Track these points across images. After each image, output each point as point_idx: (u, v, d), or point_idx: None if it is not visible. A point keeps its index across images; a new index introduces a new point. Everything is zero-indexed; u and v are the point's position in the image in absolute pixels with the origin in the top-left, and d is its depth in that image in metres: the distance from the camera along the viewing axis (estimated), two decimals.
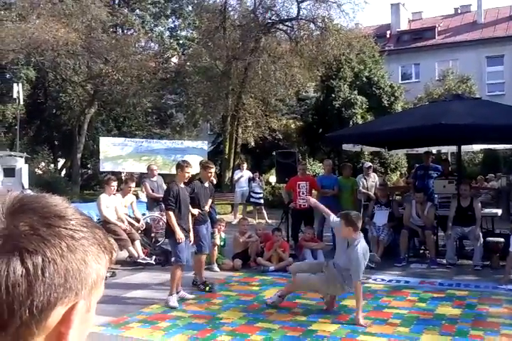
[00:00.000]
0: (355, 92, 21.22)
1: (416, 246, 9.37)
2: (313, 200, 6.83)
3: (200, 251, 6.89)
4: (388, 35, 32.59)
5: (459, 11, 33.71)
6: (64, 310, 0.65)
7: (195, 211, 6.82)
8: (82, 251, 0.66)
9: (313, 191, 9.94)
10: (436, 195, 10.14)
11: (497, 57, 28.26)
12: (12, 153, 16.82)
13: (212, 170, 7.14)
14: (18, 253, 0.62)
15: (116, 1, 25.08)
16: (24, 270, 0.61)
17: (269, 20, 20.48)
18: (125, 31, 25.18)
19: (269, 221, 13.72)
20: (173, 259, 6.56)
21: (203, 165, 7.15)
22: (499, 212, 9.74)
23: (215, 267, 8.09)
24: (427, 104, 13.02)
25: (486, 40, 28.82)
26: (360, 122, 19.62)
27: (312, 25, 20.11)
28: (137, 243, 8.59)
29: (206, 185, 7.10)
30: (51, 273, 0.63)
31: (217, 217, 10.65)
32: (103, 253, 0.70)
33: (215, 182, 10.55)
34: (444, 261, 8.37)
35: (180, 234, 6.18)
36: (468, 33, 30.23)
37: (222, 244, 8.58)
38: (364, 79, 21.89)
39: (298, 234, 9.67)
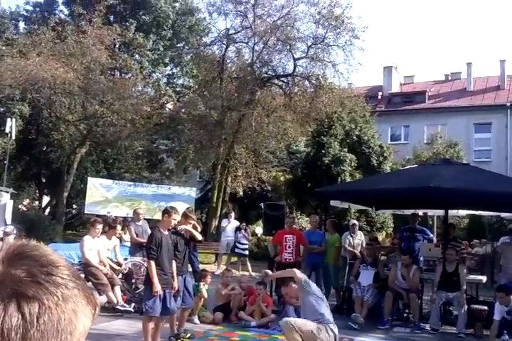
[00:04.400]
0: (345, 150, 21.52)
1: (400, 309, 9.26)
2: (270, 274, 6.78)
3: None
4: (380, 97, 33.37)
5: (450, 78, 34.73)
6: None
7: (200, 236, 6.75)
8: (74, 302, 0.67)
9: (301, 246, 9.88)
10: (421, 258, 10.12)
11: (485, 124, 28.94)
12: None
13: (193, 221, 7.03)
14: (15, 298, 0.62)
15: (117, 45, 25.56)
16: (21, 316, 0.61)
17: (266, 75, 20.98)
18: (123, 75, 25.56)
19: (253, 273, 13.52)
20: (144, 309, 6.34)
21: (184, 214, 6.95)
22: (484, 278, 9.72)
23: (196, 319, 7.90)
24: (416, 166, 13.22)
25: (475, 107, 29.58)
26: (349, 179, 19.80)
27: (307, 82, 20.63)
28: (117, 288, 8.41)
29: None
30: (46, 321, 0.63)
31: (200, 266, 10.49)
32: (89, 307, 0.70)
33: (199, 229, 10.43)
34: (428, 326, 8.26)
35: (157, 287, 6.01)
36: (457, 99, 31.05)
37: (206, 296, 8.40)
38: (354, 137, 22.27)
39: (282, 290, 9.51)
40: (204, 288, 8.11)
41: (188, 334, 6.88)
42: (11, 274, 0.64)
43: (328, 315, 5.69)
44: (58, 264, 0.69)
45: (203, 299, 8.05)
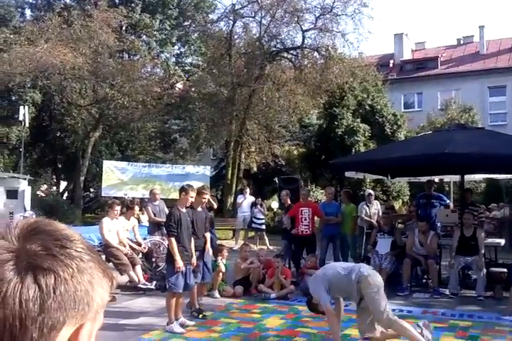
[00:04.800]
0: (358, 120, 21.34)
1: (419, 276, 9.30)
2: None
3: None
4: (391, 65, 32.92)
5: (462, 42, 34.12)
6: (71, 330, 0.66)
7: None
8: (90, 274, 0.68)
9: (316, 218, 9.93)
10: (438, 224, 10.11)
11: (499, 87, 28.47)
12: (15, 175, 16.85)
13: (207, 196, 7.10)
14: (31, 271, 0.64)
15: (124, 28, 25.44)
16: (37, 287, 0.63)
17: (274, 49, 20.75)
18: (131, 57, 25.51)
19: (271, 247, 13.65)
20: (167, 286, 6.46)
21: (198, 191, 7.04)
22: (502, 241, 9.69)
23: (216, 293, 8.02)
24: (430, 133, 13.06)
25: (489, 70, 29.08)
26: (363, 150, 19.67)
27: (316, 54, 20.37)
28: (138, 268, 8.53)
29: (199, 209, 7.04)
30: (62, 292, 0.64)
31: (218, 242, 10.60)
32: (106, 279, 0.72)
33: (215, 206, 10.54)
34: (447, 291, 8.29)
35: (179, 263, 6.12)
36: (470, 64, 30.53)
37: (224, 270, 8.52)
38: (367, 107, 22.04)
39: (300, 261, 9.61)
40: (222, 262, 8.22)
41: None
42: (27, 249, 0.66)
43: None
44: (73, 238, 0.70)
45: (221, 274, 8.16)
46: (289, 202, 10.54)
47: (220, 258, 8.19)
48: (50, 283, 0.64)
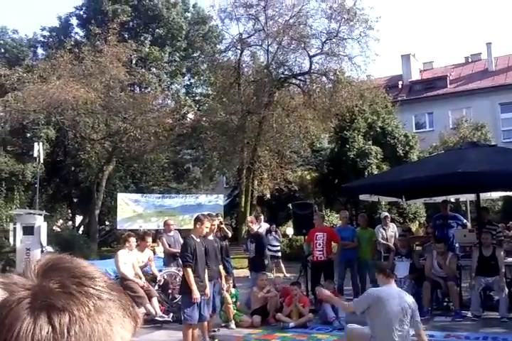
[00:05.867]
0: (370, 142, 21.32)
1: (439, 298, 9.11)
2: (325, 292, 5.97)
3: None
4: (400, 86, 33.04)
5: (470, 60, 34.17)
6: None
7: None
8: (108, 314, 0.66)
9: (333, 243, 9.81)
10: (457, 245, 9.95)
11: (510, 103, 28.35)
12: (31, 211, 16.94)
13: (215, 222, 7.13)
14: (45, 310, 0.62)
15: (134, 61, 25.91)
16: (51, 328, 0.61)
17: (282, 75, 20.96)
18: (142, 89, 25.88)
19: (288, 274, 13.48)
20: (182, 317, 6.38)
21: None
22: None
23: (232, 324, 7.91)
24: (442, 152, 13.01)
25: (499, 87, 29.03)
26: (376, 172, 19.58)
27: (324, 79, 20.53)
28: (154, 300, 8.47)
29: (210, 238, 7.01)
30: (77, 332, 0.62)
31: (234, 272, 10.51)
32: (128, 319, 0.69)
33: (230, 235, 10.49)
34: (469, 314, 8.10)
35: (196, 294, 6.07)
36: (480, 81, 30.51)
37: (234, 299, 8.38)
38: (378, 129, 22.03)
39: (316, 288, 9.45)
40: (227, 293, 8.09)
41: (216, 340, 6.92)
42: (43, 286, 0.65)
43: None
44: (93, 276, 0.69)
45: (231, 305, 8.04)
46: (254, 228, 10.64)
47: (226, 288, 8.04)
48: (64, 322, 0.62)
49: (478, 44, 57.35)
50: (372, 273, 10.17)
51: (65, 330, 0.62)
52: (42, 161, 19.21)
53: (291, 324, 7.79)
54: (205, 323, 6.74)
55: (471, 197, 11.86)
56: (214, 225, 7.02)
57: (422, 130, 29.32)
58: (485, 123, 25.15)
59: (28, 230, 14.76)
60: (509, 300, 7.88)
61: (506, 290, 7.93)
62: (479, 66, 32.60)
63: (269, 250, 14.18)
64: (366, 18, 19.26)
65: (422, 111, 30.65)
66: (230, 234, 10.50)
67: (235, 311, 8.11)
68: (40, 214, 15.71)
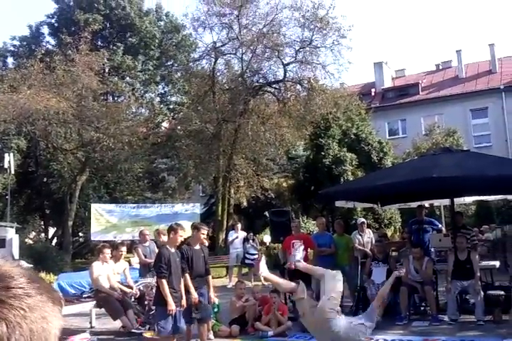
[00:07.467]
0: (345, 149, 21.46)
1: (416, 303, 9.14)
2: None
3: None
4: (373, 93, 33.40)
5: (441, 67, 34.79)
6: None
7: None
8: (41, 309, 0.64)
9: (309, 250, 9.78)
10: (432, 249, 10.02)
11: (481, 109, 28.90)
12: (2, 223, 16.61)
13: (205, 231, 7.02)
14: None
15: (106, 70, 25.66)
16: None
17: (257, 83, 20.98)
18: (116, 98, 25.67)
19: (266, 283, 13.38)
20: (156, 329, 6.27)
21: (196, 227, 7.01)
22: (497, 263, 9.61)
23: (211, 335, 7.79)
24: (416, 158, 13.12)
25: (469, 93, 29.56)
26: (351, 179, 19.70)
27: (299, 86, 20.62)
28: (130, 312, 8.33)
29: (197, 247, 6.92)
30: (17, 338, 0.60)
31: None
32: (56, 306, 0.68)
33: (206, 244, 10.39)
34: (446, 318, 8.14)
35: (171, 305, 5.96)
36: (451, 88, 31.04)
37: (216, 310, 8.29)
38: (352, 136, 22.21)
39: None
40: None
41: None
42: None
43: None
44: (12, 274, 0.66)
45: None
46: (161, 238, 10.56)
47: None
48: (3, 332, 0.59)
49: (448, 51, 58.55)
50: (349, 279, 10.19)
51: (6, 339, 0.60)
52: (13, 172, 18.87)
53: (270, 333, 7.73)
54: (205, 331, 6.66)
55: (446, 201, 11.98)
56: (204, 234, 6.93)
57: (395, 136, 29.65)
58: (457, 129, 25.56)
59: None
60: (485, 303, 7.94)
61: (482, 293, 7.99)
62: (450, 73, 33.19)
63: (247, 258, 14.13)
64: (339, 26, 19.41)
65: (395, 117, 31.03)
66: (206, 243, 10.41)
67: (214, 321, 8.00)
68: (12, 227, 15.45)
